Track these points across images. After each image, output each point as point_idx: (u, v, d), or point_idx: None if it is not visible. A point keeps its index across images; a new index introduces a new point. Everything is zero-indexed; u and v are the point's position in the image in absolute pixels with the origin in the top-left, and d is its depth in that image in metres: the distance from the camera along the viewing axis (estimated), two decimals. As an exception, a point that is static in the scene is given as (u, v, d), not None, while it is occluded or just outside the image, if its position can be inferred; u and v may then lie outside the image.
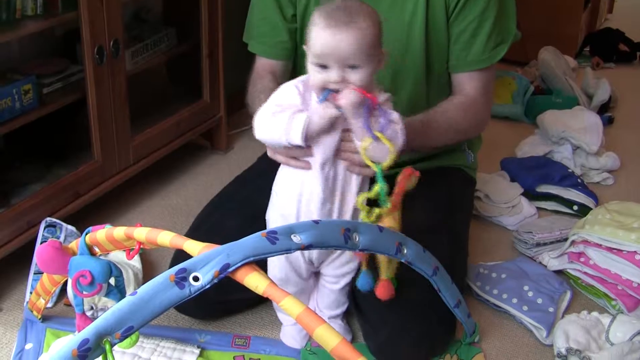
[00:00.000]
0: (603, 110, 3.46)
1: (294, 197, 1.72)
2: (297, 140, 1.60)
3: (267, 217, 1.83)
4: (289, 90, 1.68)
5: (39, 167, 2.30)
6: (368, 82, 1.61)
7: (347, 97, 1.57)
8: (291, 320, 1.93)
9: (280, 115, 1.62)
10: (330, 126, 1.62)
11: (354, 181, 1.72)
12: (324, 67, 1.59)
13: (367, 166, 1.61)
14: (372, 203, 1.62)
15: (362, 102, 1.58)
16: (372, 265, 1.71)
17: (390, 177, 1.63)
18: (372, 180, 1.66)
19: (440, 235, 1.93)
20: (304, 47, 1.67)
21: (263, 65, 2.09)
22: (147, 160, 2.55)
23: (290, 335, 1.94)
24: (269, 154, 1.76)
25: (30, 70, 2.16)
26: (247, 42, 2.15)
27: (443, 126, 1.93)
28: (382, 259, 1.68)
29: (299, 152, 1.68)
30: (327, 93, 1.60)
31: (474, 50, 1.99)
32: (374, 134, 1.59)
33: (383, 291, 1.71)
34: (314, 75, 1.61)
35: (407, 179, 1.68)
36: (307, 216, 1.70)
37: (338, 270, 1.84)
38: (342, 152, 1.67)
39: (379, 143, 1.59)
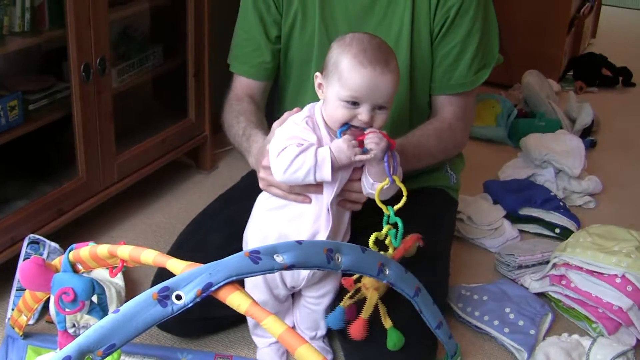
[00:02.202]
0: (586, 134, 3.48)
1: (288, 230, 1.73)
2: (328, 176, 1.60)
3: (245, 237, 1.84)
4: (302, 127, 1.66)
5: (23, 183, 2.30)
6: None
7: (377, 142, 1.59)
8: (266, 343, 1.93)
9: (304, 155, 1.60)
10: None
11: (346, 218, 1.76)
12: (354, 103, 1.60)
13: (356, 202, 1.68)
14: (378, 243, 1.64)
15: (388, 147, 1.61)
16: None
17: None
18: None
19: (421, 255, 1.94)
20: (318, 74, 1.68)
21: (242, 85, 2.10)
22: (131, 178, 2.55)
23: (268, 357, 1.93)
24: (262, 186, 1.76)
25: (16, 87, 2.16)
26: (229, 62, 2.16)
27: (417, 153, 1.94)
28: (370, 298, 1.69)
29: (311, 189, 1.68)
30: (347, 127, 1.62)
31: (457, 73, 2.01)
32: (392, 177, 1.62)
33: (357, 330, 1.71)
34: (339, 110, 1.62)
35: (412, 243, 1.71)
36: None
37: (319, 291, 1.85)
38: (346, 191, 1.69)
39: (394, 185, 1.63)
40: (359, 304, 1.73)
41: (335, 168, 1.61)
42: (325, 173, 1.60)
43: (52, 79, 2.31)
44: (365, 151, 1.61)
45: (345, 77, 1.60)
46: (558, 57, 4.23)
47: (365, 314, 1.71)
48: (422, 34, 1.98)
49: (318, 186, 1.67)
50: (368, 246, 1.58)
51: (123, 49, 2.63)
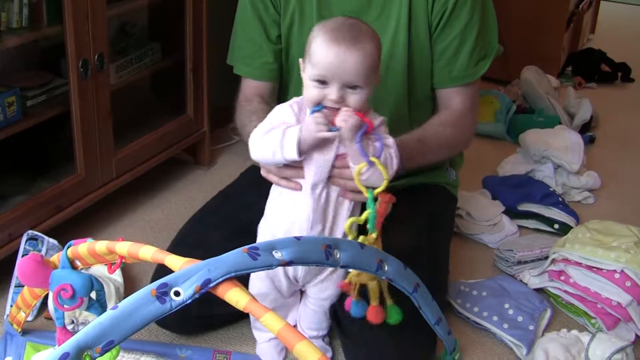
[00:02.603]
0: (584, 129, 3.48)
1: (284, 219, 1.72)
2: (293, 154, 1.59)
3: (258, 229, 1.83)
4: (284, 110, 1.68)
5: (22, 180, 2.29)
6: (364, 103, 1.62)
7: (346, 120, 1.57)
8: (265, 337, 1.93)
9: (273, 132, 1.62)
10: (323, 144, 1.62)
11: (346, 206, 1.72)
12: (323, 82, 1.59)
13: (360, 192, 1.61)
14: (360, 228, 1.61)
15: (360, 126, 1.58)
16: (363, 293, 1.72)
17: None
18: (364, 205, 1.68)
19: (420, 252, 1.94)
20: (301, 60, 1.67)
21: (250, 87, 2.09)
22: (130, 174, 2.54)
23: (267, 352, 1.94)
24: (263, 173, 1.76)
25: (14, 83, 2.16)
26: (231, 64, 2.15)
27: (436, 143, 1.95)
28: (371, 287, 1.68)
29: (291, 172, 1.68)
30: (320, 107, 1.60)
31: (458, 66, 2.01)
32: (369, 159, 1.59)
33: (374, 315, 1.69)
34: (310, 89, 1.61)
35: (386, 205, 1.67)
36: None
37: (322, 293, 1.85)
38: (336, 178, 1.67)
39: (374, 168, 1.59)
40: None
41: (303, 147, 1.60)
42: (290, 151, 1.59)
43: (50, 75, 2.31)
44: (336, 130, 1.59)
45: (313, 56, 1.59)
46: (557, 53, 4.23)
47: (374, 301, 1.68)
48: (420, 28, 1.98)
49: (299, 169, 1.66)
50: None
51: (121, 45, 2.63)
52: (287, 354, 1.95)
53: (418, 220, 2.04)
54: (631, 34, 5.44)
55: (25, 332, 1.93)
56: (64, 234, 2.25)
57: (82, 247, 1.45)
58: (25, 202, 2.17)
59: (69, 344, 1.09)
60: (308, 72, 1.61)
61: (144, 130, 2.64)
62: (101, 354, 1.12)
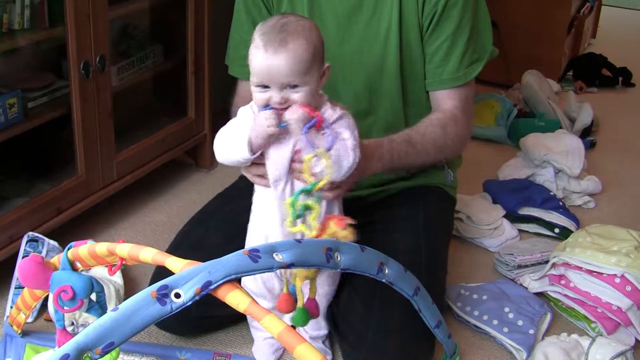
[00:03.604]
0: (585, 134, 3.48)
1: (261, 216, 1.74)
2: (245, 152, 1.62)
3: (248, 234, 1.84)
4: (244, 111, 1.70)
5: (23, 181, 2.30)
6: (311, 99, 1.62)
7: (292, 113, 1.58)
8: (262, 336, 1.93)
9: (229, 133, 1.66)
10: (278, 140, 1.63)
11: (322, 205, 1.70)
12: (264, 87, 1.60)
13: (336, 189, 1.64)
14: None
15: (306, 119, 1.58)
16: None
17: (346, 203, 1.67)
18: (348, 208, 1.68)
19: (419, 254, 1.94)
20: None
21: (245, 88, 2.08)
22: (131, 176, 2.55)
23: (262, 351, 1.94)
24: (242, 171, 1.78)
25: (15, 84, 2.16)
26: (228, 64, 2.16)
27: (424, 144, 1.93)
28: (297, 274, 1.62)
29: (257, 170, 1.70)
30: (269, 107, 1.61)
31: (449, 68, 2.01)
32: (313, 148, 1.58)
33: (282, 303, 1.60)
34: (255, 94, 1.63)
35: (332, 222, 1.57)
36: (274, 236, 1.71)
37: (319, 289, 1.84)
38: (297, 173, 1.67)
39: (324, 161, 1.58)
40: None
41: (255, 144, 1.62)
42: (242, 149, 1.62)
43: (52, 77, 2.31)
44: (284, 126, 1.60)
45: (250, 63, 1.61)
46: (558, 57, 4.23)
47: (285, 288, 1.62)
48: (411, 30, 1.98)
49: (263, 167, 1.68)
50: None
51: (123, 47, 2.63)
52: (283, 355, 1.95)
53: (416, 222, 2.03)
54: (632, 39, 5.44)
55: (25, 333, 1.93)
56: (64, 235, 2.25)
57: (82, 248, 1.45)
58: (25, 203, 2.17)
59: (69, 346, 1.09)
60: (251, 78, 1.63)
61: (145, 132, 2.64)
62: (101, 356, 1.12)
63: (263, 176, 1.70)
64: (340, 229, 1.56)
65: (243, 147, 1.62)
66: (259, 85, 1.61)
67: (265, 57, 1.57)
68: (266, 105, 1.61)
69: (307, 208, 1.53)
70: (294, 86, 1.60)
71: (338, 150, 1.61)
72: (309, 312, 1.57)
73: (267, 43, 1.58)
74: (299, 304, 1.59)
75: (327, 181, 1.57)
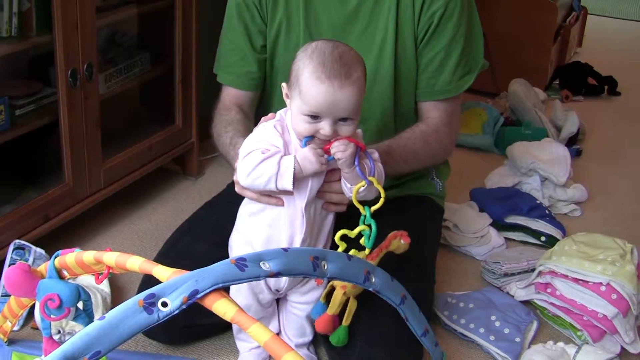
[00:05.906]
0: (571, 142, 3.50)
1: (264, 232, 1.73)
2: (289, 185, 1.59)
3: (230, 243, 1.84)
4: (269, 132, 1.65)
5: (9, 189, 2.29)
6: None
7: (343, 150, 1.58)
8: (248, 347, 1.93)
9: (267, 162, 1.60)
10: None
11: (330, 219, 1.75)
12: (315, 117, 1.58)
13: (343, 203, 1.66)
14: (347, 241, 1.62)
15: (356, 152, 1.59)
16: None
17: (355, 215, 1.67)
18: (346, 218, 1.69)
19: (407, 263, 1.94)
20: (284, 85, 1.66)
21: (230, 95, 2.09)
22: (118, 184, 2.54)
23: None
24: (237, 190, 1.75)
25: (3, 92, 2.16)
26: (216, 72, 2.15)
27: (404, 156, 1.94)
28: (335, 295, 1.68)
29: (281, 192, 1.67)
30: (310, 138, 1.60)
31: (442, 79, 2.02)
32: (367, 180, 1.61)
33: (322, 326, 1.71)
34: (301, 124, 1.60)
35: (396, 240, 1.72)
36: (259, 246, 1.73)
37: (304, 297, 1.85)
38: (324, 193, 1.68)
39: (370, 186, 1.62)
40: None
41: (299, 177, 1.60)
42: (287, 182, 1.59)
43: (39, 85, 2.31)
44: (331, 159, 1.60)
45: (304, 93, 1.57)
46: (544, 66, 4.26)
47: (330, 310, 1.69)
48: (407, 40, 1.99)
49: (291, 193, 1.66)
50: (338, 246, 1.59)
51: (110, 54, 2.63)
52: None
53: (404, 230, 2.04)
54: (617, 48, 5.47)
55: (11, 341, 1.92)
56: (51, 243, 2.25)
57: (69, 257, 1.45)
58: (12, 211, 2.16)
59: (55, 354, 1.09)
60: (298, 105, 1.59)
61: (132, 140, 2.64)
62: (88, 365, 1.12)
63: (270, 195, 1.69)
64: (404, 244, 1.73)
65: (288, 180, 1.58)
66: (308, 115, 1.58)
67: (332, 91, 1.54)
68: (311, 136, 1.60)
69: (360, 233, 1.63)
70: (346, 119, 1.59)
71: (378, 172, 1.65)
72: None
73: (332, 75, 1.54)
74: (345, 323, 1.66)
75: (382, 204, 1.62)
